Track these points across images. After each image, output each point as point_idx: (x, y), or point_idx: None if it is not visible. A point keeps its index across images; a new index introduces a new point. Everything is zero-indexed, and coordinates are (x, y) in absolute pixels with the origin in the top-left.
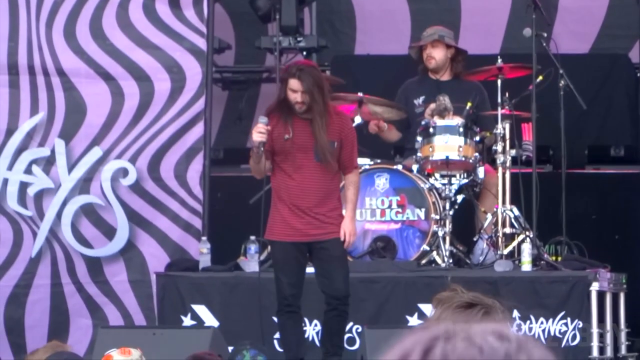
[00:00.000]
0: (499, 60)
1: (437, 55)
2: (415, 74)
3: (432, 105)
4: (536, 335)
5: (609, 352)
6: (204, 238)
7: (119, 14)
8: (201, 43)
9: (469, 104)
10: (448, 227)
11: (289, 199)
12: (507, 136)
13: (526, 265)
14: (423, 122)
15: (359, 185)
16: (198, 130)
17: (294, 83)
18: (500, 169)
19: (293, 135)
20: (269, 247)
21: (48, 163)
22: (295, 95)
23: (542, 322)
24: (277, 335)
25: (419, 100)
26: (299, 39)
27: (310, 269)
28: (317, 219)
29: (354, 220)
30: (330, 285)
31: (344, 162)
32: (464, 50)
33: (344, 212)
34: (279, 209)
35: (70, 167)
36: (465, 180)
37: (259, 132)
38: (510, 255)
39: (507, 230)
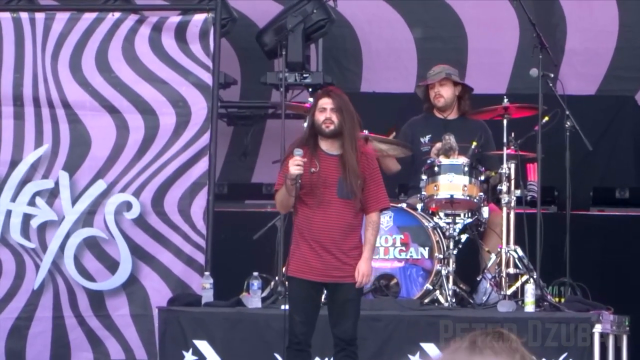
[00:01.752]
0: (505, 100)
1: (445, 93)
2: (420, 111)
3: (438, 145)
4: None
5: None
6: (206, 273)
7: (124, 47)
8: (207, 78)
9: (474, 143)
10: (452, 266)
11: (310, 234)
12: (512, 176)
13: (529, 306)
14: (428, 161)
15: (379, 226)
16: (202, 165)
17: (323, 100)
18: (504, 209)
19: (319, 169)
20: (272, 284)
21: (52, 195)
22: (324, 113)
23: None
24: None
25: (425, 139)
26: (304, 75)
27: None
28: (338, 259)
29: (369, 261)
30: (339, 328)
31: (366, 201)
32: (470, 87)
33: None
34: (300, 245)
35: (74, 200)
36: (470, 220)
37: (296, 165)
38: (514, 295)
39: (511, 270)
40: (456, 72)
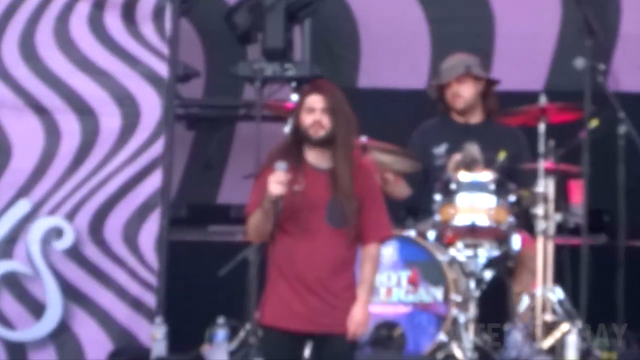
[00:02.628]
0: (543, 99)
1: (465, 92)
2: (434, 113)
3: (457, 156)
4: None
5: None
6: (158, 319)
7: (56, 29)
8: (161, 68)
9: (502, 154)
10: (472, 312)
11: (291, 271)
12: (551, 197)
13: None
14: (444, 177)
15: (378, 261)
16: (154, 181)
17: (312, 98)
18: (540, 239)
19: (304, 188)
20: (241, 333)
21: None
22: (312, 115)
23: None
24: None
25: (440, 149)
26: (286, 65)
27: None
28: (326, 302)
29: (366, 305)
30: None
31: (363, 229)
32: (497, 80)
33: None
34: (277, 285)
35: None
36: (496, 253)
37: (278, 182)
38: (552, 350)
39: (548, 317)
40: (477, 63)
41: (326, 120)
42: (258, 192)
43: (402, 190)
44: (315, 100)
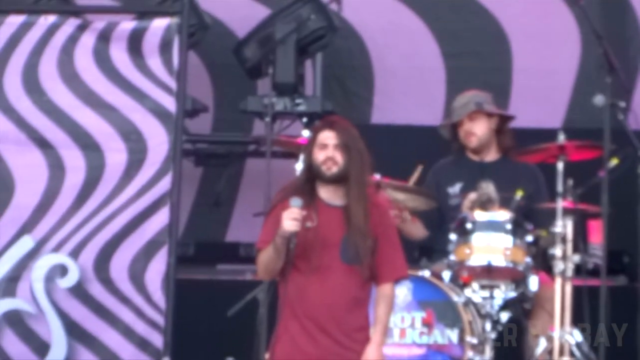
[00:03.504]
0: (562, 137)
1: (478, 130)
2: (449, 149)
3: (472, 196)
4: None
5: None
6: None
7: (61, 61)
8: (169, 103)
9: (519, 193)
10: (489, 354)
11: (303, 310)
12: (569, 237)
13: None
14: (459, 217)
15: (393, 302)
16: (161, 218)
17: (324, 135)
18: (558, 280)
19: (317, 224)
20: None
21: None
22: (325, 151)
23: None
24: None
25: (455, 189)
26: (297, 100)
27: None
28: (339, 343)
29: (380, 347)
30: None
31: (378, 269)
32: (511, 116)
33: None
34: (288, 324)
35: None
36: (513, 294)
37: (293, 219)
38: None
39: None
40: (489, 99)
41: (339, 157)
42: (269, 229)
43: (418, 230)
44: (328, 137)
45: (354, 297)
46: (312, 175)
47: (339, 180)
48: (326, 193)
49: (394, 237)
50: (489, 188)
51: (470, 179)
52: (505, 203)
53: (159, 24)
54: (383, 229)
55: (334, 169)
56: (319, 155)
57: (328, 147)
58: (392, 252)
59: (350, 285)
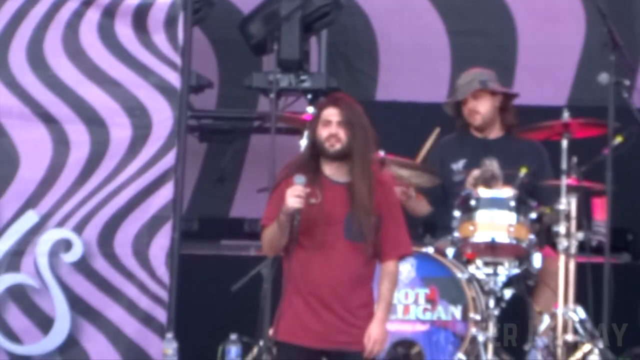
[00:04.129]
0: (566, 114)
1: (482, 108)
2: (454, 127)
3: (476, 172)
4: None
5: None
6: (169, 335)
7: (66, 36)
8: (173, 78)
9: (523, 170)
10: (492, 331)
11: (306, 287)
12: (573, 214)
13: None
14: (463, 193)
15: (397, 279)
16: (166, 193)
17: (328, 111)
18: (562, 257)
19: (321, 201)
20: (255, 351)
21: None
22: (328, 128)
23: None
24: None
25: (459, 165)
26: (302, 77)
27: None
28: (342, 319)
29: (384, 323)
30: None
31: (382, 246)
32: (515, 94)
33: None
34: (292, 301)
35: None
36: (516, 270)
37: (296, 196)
38: None
39: (570, 337)
40: (493, 77)
41: (342, 134)
42: (274, 206)
43: (423, 207)
44: (332, 113)
45: (358, 274)
46: (317, 152)
47: (342, 157)
48: (330, 170)
49: (398, 215)
50: (492, 165)
51: (474, 156)
52: (509, 180)
53: (164, 0)
54: (387, 206)
55: (337, 146)
56: (323, 132)
57: (331, 124)
58: (396, 229)
59: (353, 262)
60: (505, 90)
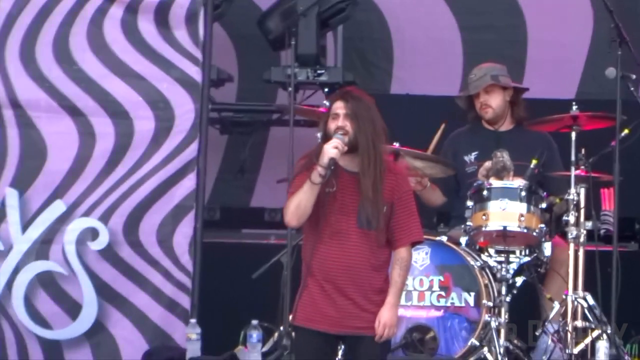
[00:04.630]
0: (574, 107)
1: (493, 102)
2: (466, 120)
3: (488, 164)
4: None
5: None
6: (192, 320)
7: (91, 32)
8: (195, 72)
9: (534, 162)
10: (504, 316)
11: (322, 274)
12: (582, 204)
13: None
14: (475, 184)
15: (409, 265)
16: (188, 184)
17: (337, 104)
18: (572, 245)
19: (336, 190)
20: (275, 335)
21: None
22: (336, 121)
23: None
24: None
25: (471, 157)
26: (319, 71)
27: None
28: (357, 305)
29: (395, 308)
30: None
31: (394, 233)
32: (525, 88)
33: None
34: (309, 287)
35: (25, 225)
36: (527, 258)
37: (334, 147)
38: (582, 355)
39: (579, 323)
40: (504, 71)
41: (349, 126)
42: (297, 184)
43: (437, 197)
44: (339, 106)
45: (371, 261)
46: None
47: (350, 148)
48: (344, 160)
49: (411, 203)
50: (503, 157)
51: (485, 148)
52: (519, 171)
53: None
54: (399, 195)
55: (344, 138)
56: (332, 125)
57: (339, 117)
58: (408, 217)
59: (366, 249)
60: (516, 85)
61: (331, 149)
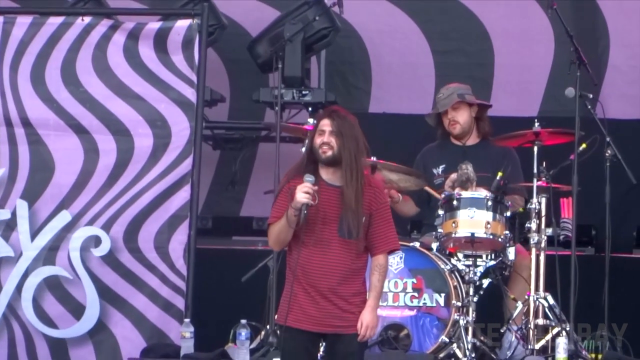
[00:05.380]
0: (537, 124)
1: (461, 118)
2: (435, 137)
3: (453, 176)
4: None
5: None
6: (186, 320)
7: (95, 57)
8: (190, 94)
9: (499, 174)
10: (471, 315)
11: (305, 278)
12: (544, 212)
13: None
14: (444, 194)
15: (386, 270)
16: (183, 195)
17: (323, 122)
18: (533, 250)
19: (318, 203)
20: (262, 334)
21: (8, 228)
22: (322, 137)
23: None
24: None
25: (439, 170)
26: (304, 92)
27: None
28: (337, 306)
29: (375, 310)
30: None
31: (372, 242)
32: (489, 105)
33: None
34: (294, 291)
35: (34, 234)
36: (493, 262)
37: (305, 192)
38: (543, 350)
39: (540, 321)
40: (469, 90)
41: (334, 142)
42: (279, 206)
43: (410, 208)
44: (326, 124)
45: (351, 267)
46: (314, 157)
47: (334, 162)
48: (327, 174)
49: (387, 214)
50: (468, 169)
51: (452, 161)
52: (484, 182)
53: (182, 24)
54: (377, 207)
55: (329, 153)
56: (318, 140)
57: (325, 133)
58: (385, 227)
59: (347, 257)
60: (481, 102)
61: (303, 197)
